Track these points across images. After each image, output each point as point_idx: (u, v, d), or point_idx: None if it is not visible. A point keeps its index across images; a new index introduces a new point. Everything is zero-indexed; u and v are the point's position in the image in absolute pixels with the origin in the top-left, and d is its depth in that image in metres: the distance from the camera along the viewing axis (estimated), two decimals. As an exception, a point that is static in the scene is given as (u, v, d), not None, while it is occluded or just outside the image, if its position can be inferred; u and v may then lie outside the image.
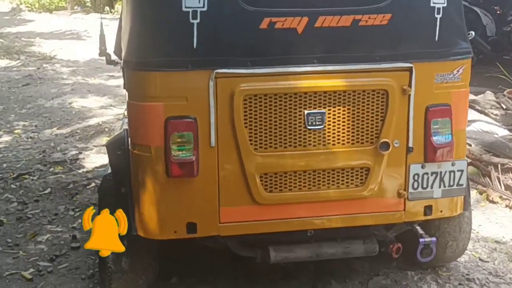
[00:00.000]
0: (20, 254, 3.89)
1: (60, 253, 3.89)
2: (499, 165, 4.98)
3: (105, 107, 7.37)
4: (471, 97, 6.31)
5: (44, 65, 9.89)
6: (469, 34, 10.05)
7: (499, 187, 4.77)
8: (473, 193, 4.86)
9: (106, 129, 6.43)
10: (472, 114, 6.05)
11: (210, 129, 2.77)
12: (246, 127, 2.81)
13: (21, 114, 7.16)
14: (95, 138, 6.19)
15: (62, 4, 15.54)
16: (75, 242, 4.02)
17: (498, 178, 4.86)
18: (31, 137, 6.29)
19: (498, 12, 9.25)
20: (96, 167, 5.34)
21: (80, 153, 5.74)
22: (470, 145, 5.41)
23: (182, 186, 2.82)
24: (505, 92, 6.24)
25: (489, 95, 6.32)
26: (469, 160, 5.29)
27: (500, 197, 4.69)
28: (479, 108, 6.10)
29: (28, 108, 7.39)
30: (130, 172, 2.96)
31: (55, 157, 5.61)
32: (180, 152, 2.76)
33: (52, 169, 5.33)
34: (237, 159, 2.83)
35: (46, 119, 6.94)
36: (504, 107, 6.00)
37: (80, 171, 5.28)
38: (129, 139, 2.96)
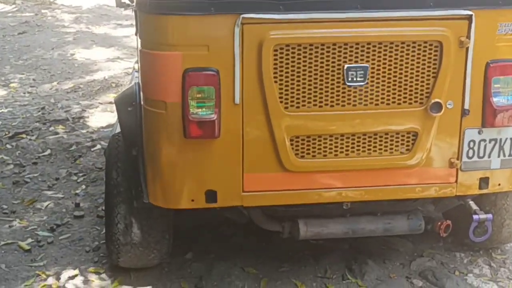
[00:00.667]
0: (17, 223, 3.94)
1: (62, 222, 3.93)
2: None
3: (112, 59, 7.37)
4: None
5: (43, 11, 9.91)
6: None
7: None
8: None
9: (113, 85, 6.43)
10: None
11: (234, 84, 2.73)
12: (276, 82, 2.76)
13: (17, 66, 7.19)
14: (100, 94, 6.21)
15: None
16: (78, 211, 4.07)
17: None
18: (28, 92, 6.33)
19: None
20: (102, 127, 5.38)
21: (84, 110, 5.77)
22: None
23: (201, 149, 2.79)
24: None
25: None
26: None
27: None
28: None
29: (25, 59, 7.42)
30: (142, 132, 2.93)
31: (56, 115, 5.65)
32: (200, 110, 2.73)
33: (52, 128, 5.37)
34: (265, 119, 2.80)
35: (45, 72, 6.97)
36: None
37: (84, 131, 5.31)
38: (141, 93, 2.93)
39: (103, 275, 3.41)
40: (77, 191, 4.32)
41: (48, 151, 4.90)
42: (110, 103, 5.64)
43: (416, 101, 2.87)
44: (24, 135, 5.20)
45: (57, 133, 5.24)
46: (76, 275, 3.41)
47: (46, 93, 6.31)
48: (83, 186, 4.39)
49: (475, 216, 3.04)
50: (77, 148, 4.95)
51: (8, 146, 5.02)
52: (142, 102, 2.92)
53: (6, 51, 7.80)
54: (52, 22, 9.22)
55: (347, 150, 2.90)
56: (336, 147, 2.90)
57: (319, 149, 2.89)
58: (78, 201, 4.17)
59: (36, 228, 3.87)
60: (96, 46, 7.97)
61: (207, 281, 3.33)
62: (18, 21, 9.27)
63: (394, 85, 2.84)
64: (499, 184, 3.04)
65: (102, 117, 5.58)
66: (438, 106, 2.86)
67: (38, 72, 6.98)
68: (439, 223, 3.13)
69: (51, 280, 3.36)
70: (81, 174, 4.55)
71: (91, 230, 3.84)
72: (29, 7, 10.17)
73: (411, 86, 2.85)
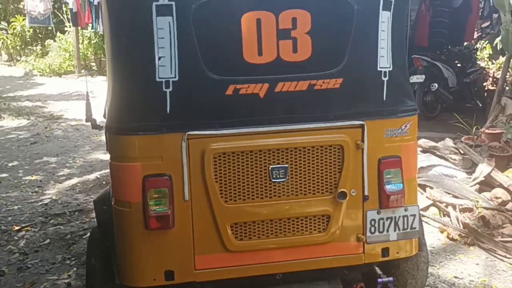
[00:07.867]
0: (18, 303, 3.84)
1: (55, 301, 3.85)
2: (457, 206, 5.00)
3: (105, 161, 7.37)
4: (432, 143, 6.38)
5: (51, 125, 9.94)
6: (433, 86, 10.21)
7: (458, 225, 4.77)
8: (435, 232, 4.87)
9: (104, 182, 6.41)
10: (433, 159, 6.10)
11: (184, 185, 2.80)
12: (216, 181, 2.84)
13: (28, 170, 7.15)
14: (93, 190, 6.17)
15: (70, 68, 15.70)
16: (69, 290, 3.99)
17: (457, 218, 4.87)
18: (35, 192, 6.28)
19: (459, 65, 9.46)
20: (93, 218, 5.30)
21: (79, 205, 5.72)
22: (431, 187, 5.43)
23: (160, 237, 2.82)
24: (462, 139, 6.30)
25: (448, 142, 6.37)
26: (430, 202, 5.31)
27: (459, 235, 4.70)
28: (440, 154, 6.14)
29: (34, 164, 7.39)
30: (113, 226, 2.96)
31: (56, 210, 5.59)
32: (157, 207, 2.78)
33: (52, 221, 5.30)
34: (209, 211, 2.85)
35: (50, 174, 6.94)
36: (462, 152, 6.05)
37: (78, 222, 5.25)
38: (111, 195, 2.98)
39: None
40: (70, 273, 4.24)
41: (48, 240, 4.82)
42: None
43: (327, 191, 2.96)
44: (29, 228, 5.12)
45: (56, 225, 5.17)
46: None
47: (49, 191, 6.27)
48: (75, 268, 4.31)
49: (379, 280, 3.09)
50: (71, 236, 4.89)
51: (16, 237, 4.92)
52: (112, 203, 2.96)
53: (20, 158, 7.76)
54: (58, 133, 9.24)
55: (276, 232, 2.95)
56: (267, 230, 2.94)
57: (254, 232, 2.93)
58: (69, 281, 4.09)
59: (34, 307, 3.79)
60: (93, 151, 7.99)
61: None
62: (31, 133, 9.27)
63: (309, 179, 2.93)
64: (398, 252, 3.11)
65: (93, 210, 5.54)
66: (344, 194, 2.95)
67: (45, 174, 6.95)
68: (354, 285, 3.16)
69: None
70: (73, 258, 4.48)
71: (79, 308, 3.76)
72: (40, 122, 10.19)
73: (322, 179, 2.95)
